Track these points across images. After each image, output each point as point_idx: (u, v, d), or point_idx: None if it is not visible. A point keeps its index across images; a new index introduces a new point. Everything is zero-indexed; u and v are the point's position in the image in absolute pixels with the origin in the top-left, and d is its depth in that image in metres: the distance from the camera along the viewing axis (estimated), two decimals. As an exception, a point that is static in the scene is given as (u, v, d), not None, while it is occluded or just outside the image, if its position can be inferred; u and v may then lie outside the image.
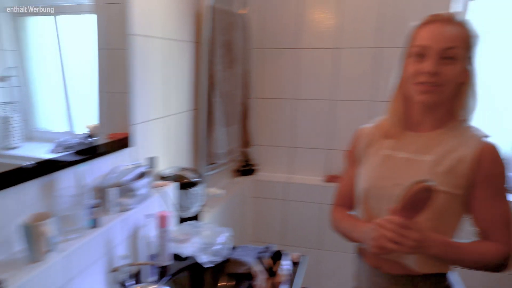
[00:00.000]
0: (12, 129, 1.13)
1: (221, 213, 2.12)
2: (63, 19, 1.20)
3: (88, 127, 1.41)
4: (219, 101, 1.93)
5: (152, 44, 1.53)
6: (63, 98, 1.30)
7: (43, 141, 1.24)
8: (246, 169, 2.59)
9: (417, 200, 0.87)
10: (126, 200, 1.29)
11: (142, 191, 1.34)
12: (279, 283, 1.18)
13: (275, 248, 1.50)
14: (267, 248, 1.52)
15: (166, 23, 1.61)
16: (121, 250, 1.25)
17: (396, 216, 0.89)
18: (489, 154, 0.96)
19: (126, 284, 1.02)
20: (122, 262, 1.01)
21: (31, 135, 1.21)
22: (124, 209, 1.28)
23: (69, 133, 1.33)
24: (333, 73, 2.39)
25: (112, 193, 1.23)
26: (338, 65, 2.37)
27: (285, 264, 1.24)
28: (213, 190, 2.04)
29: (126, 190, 1.29)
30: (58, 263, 0.97)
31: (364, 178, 1.09)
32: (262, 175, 2.63)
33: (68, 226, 1.06)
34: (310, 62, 2.42)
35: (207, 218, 1.91)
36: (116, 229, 1.22)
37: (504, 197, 0.98)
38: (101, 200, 1.25)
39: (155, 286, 1.07)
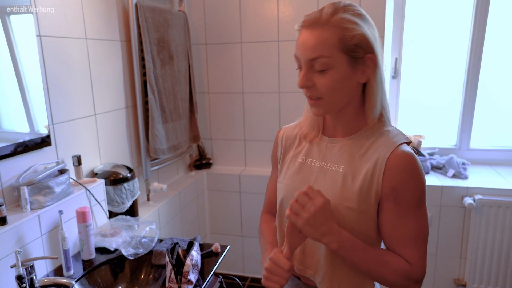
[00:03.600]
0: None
1: (170, 206, 2.16)
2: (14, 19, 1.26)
3: (46, 126, 1.45)
4: (155, 98, 1.96)
5: (72, 45, 1.56)
6: (20, 98, 1.34)
7: (7, 142, 1.28)
8: (200, 163, 2.63)
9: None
10: (41, 198, 1.32)
11: (60, 188, 1.38)
12: (187, 272, 1.22)
13: (199, 240, 1.55)
14: (193, 239, 1.56)
15: (88, 24, 1.64)
16: (37, 246, 1.30)
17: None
18: (398, 163, 0.85)
19: (24, 278, 1.06)
20: (19, 257, 1.05)
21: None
22: (40, 206, 1.32)
23: (31, 133, 1.38)
24: (279, 66, 2.42)
25: (24, 191, 1.27)
26: (284, 57, 2.40)
27: (194, 255, 1.28)
28: (157, 185, 2.08)
29: (41, 188, 1.33)
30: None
31: (280, 188, 1.02)
32: (217, 168, 2.68)
33: (-30, 225, 1.09)
34: (256, 55, 2.45)
35: (149, 212, 1.96)
36: (29, 226, 1.26)
37: (416, 215, 0.86)
38: (12, 201, 1.29)
39: (57, 278, 1.11)
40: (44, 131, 1.42)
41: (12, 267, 1.07)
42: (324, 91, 0.85)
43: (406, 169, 0.85)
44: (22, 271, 1.06)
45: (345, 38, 0.82)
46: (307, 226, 0.83)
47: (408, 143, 0.90)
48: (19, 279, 1.05)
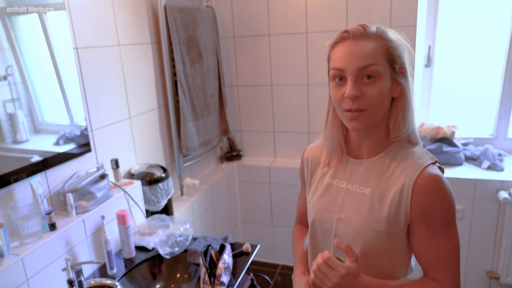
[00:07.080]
0: (18, 124, 1.26)
1: (203, 199, 2.24)
2: (50, 16, 1.32)
3: (85, 119, 1.54)
4: (186, 97, 2.01)
5: (106, 53, 1.61)
6: (59, 92, 1.42)
7: (50, 134, 1.38)
8: (231, 155, 2.69)
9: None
10: (84, 203, 1.42)
11: (101, 193, 1.47)
12: (220, 275, 1.29)
13: (230, 239, 1.61)
14: (225, 238, 1.63)
15: (121, 31, 1.69)
16: (83, 249, 1.40)
17: None
18: (426, 186, 0.86)
19: (74, 281, 1.16)
20: (69, 264, 1.15)
21: (40, 128, 1.35)
22: (84, 210, 1.42)
23: (71, 125, 1.47)
24: (307, 58, 2.40)
25: (70, 197, 1.37)
26: (312, 49, 2.38)
27: (226, 258, 1.35)
28: (189, 181, 2.16)
29: (84, 193, 1.42)
30: (12, 267, 1.11)
31: (310, 208, 1.05)
32: (247, 159, 2.73)
33: (24, 232, 1.20)
34: (284, 47, 2.43)
35: (183, 207, 2.04)
36: (75, 230, 1.36)
37: (448, 235, 0.87)
38: (59, 205, 1.40)
39: (103, 279, 1.21)
40: (82, 123, 1.51)
41: (63, 270, 1.17)
42: (372, 101, 0.86)
43: (434, 192, 0.85)
44: (72, 275, 1.16)
45: (390, 49, 0.87)
46: None
47: (434, 162, 0.90)
48: (70, 282, 1.15)
